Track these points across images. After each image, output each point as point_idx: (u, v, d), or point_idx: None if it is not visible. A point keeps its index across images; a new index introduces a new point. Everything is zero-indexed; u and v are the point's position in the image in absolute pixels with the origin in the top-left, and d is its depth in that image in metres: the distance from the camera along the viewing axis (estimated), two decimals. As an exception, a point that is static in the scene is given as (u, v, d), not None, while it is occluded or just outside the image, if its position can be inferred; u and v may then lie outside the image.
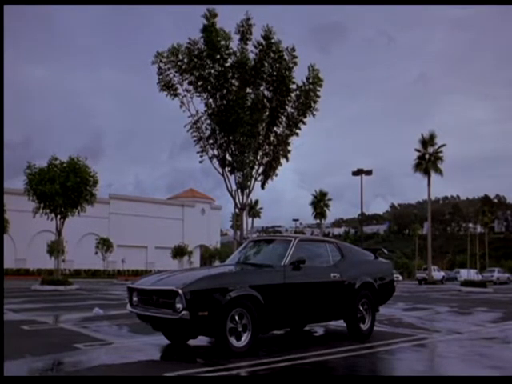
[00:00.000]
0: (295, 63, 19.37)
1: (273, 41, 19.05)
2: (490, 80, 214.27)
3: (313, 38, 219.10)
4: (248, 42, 19.26)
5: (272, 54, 19.09)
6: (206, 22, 18.95)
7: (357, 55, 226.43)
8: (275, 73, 19.19)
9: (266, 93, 19.62)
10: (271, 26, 19.01)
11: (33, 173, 24.93)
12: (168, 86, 19.55)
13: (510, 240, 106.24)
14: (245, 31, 19.18)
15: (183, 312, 5.82)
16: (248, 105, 19.18)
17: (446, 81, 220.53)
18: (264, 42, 19.03)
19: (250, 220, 73.60)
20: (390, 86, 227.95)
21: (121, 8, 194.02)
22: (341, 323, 8.23)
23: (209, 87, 19.42)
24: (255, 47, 19.18)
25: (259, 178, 20.17)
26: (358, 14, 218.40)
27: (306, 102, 19.36)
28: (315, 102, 19.52)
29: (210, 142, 19.88)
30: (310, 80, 19.33)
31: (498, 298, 20.90)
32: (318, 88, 19.39)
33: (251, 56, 19.27)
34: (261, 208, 78.32)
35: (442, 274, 56.02)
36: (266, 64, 19.22)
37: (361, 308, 7.75)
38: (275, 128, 19.97)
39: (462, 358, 6.54)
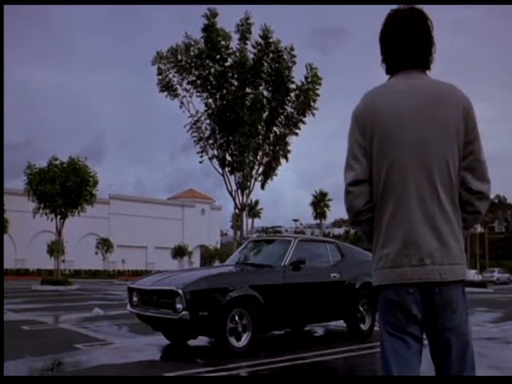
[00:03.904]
0: (294, 62, 19.38)
1: (271, 40, 19.06)
2: (489, 81, 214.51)
3: (314, 39, 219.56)
4: (247, 41, 19.28)
5: (271, 54, 19.11)
6: (206, 22, 18.97)
7: (357, 57, 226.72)
8: (274, 72, 19.20)
9: (265, 93, 19.63)
10: (269, 25, 19.04)
11: (33, 173, 24.93)
12: (168, 87, 19.57)
13: (510, 240, 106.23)
14: (244, 30, 19.19)
15: (183, 312, 5.82)
16: (247, 105, 19.20)
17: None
18: (262, 42, 19.05)
19: (249, 220, 73.76)
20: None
21: (121, 10, 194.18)
22: (341, 323, 8.23)
23: (209, 87, 19.44)
24: (253, 47, 19.19)
25: (259, 179, 20.19)
26: (359, 16, 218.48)
27: (306, 101, 19.36)
28: (314, 101, 19.52)
29: (210, 142, 19.90)
30: (309, 79, 19.34)
31: (498, 299, 20.90)
32: (317, 87, 19.39)
33: (250, 56, 19.30)
34: (261, 208, 78.54)
35: (442, 274, 55.94)
36: (265, 64, 19.24)
37: (361, 308, 7.75)
38: (275, 128, 19.98)
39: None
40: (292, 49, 19.23)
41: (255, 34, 19.21)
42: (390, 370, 1.79)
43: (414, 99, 1.83)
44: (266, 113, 19.64)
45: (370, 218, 1.87)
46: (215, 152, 20.01)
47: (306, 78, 19.36)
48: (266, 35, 19.00)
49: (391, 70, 1.94)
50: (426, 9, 1.95)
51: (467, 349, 1.81)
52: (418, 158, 1.79)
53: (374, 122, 1.84)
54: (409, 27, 1.87)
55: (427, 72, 1.94)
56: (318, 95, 19.49)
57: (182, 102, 19.71)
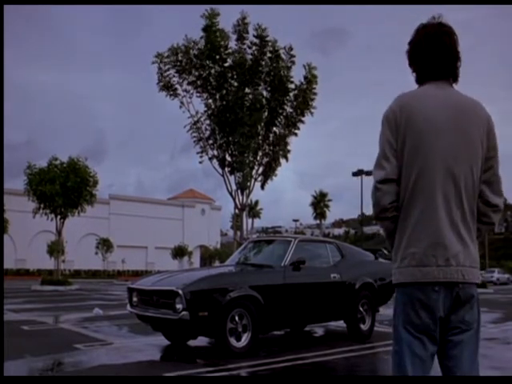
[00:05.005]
0: (293, 63, 19.36)
1: (267, 39, 19.04)
2: (489, 82, 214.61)
3: (314, 40, 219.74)
4: (245, 41, 19.26)
5: (268, 54, 19.10)
6: (207, 22, 18.95)
7: (358, 58, 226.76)
8: (273, 72, 19.19)
9: (264, 93, 19.62)
10: (261, 23, 19.00)
11: (33, 173, 24.93)
12: (168, 87, 19.55)
13: (510, 240, 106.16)
14: (241, 30, 19.17)
15: (183, 312, 5.82)
16: (247, 105, 19.18)
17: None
18: (258, 41, 19.03)
19: (249, 220, 73.74)
20: (390, 87, 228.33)
21: (121, 9, 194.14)
22: (341, 323, 8.23)
23: (209, 88, 19.43)
24: (249, 47, 19.18)
25: (259, 179, 20.16)
26: (359, 16, 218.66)
27: (304, 100, 19.36)
28: (312, 99, 19.52)
29: (210, 142, 19.88)
30: (308, 79, 19.34)
31: (498, 299, 20.89)
32: (314, 85, 19.39)
33: (249, 56, 19.27)
34: (261, 208, 78.52)
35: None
36: (263, 63, 19.22)
37: (361, 308, 7.75)
38: (274, 128, 19.97)
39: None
40: (291, 49, 19.20)
41: (252, 34, 19.21)
42: (404, 369, 1.86)
43: (444, 109, 1.94)
44: (266, 113, 19.63)
45: (394, 217, 1.97)
46: (215, 152, 19.98)
47: (306, 77, 19.37)
48: (260, 34, 18.98)
49: (421, 80, 2.05)
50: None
51: (477, 346, 1.95)
52: (446, 167, 1.91)
53: (408, 122, 1.92)
54: (440, 41, 1.98)
55: (454, 85, 2.04)
56: (315, 94, 19.49)
57: (182, 102, 19.69)
